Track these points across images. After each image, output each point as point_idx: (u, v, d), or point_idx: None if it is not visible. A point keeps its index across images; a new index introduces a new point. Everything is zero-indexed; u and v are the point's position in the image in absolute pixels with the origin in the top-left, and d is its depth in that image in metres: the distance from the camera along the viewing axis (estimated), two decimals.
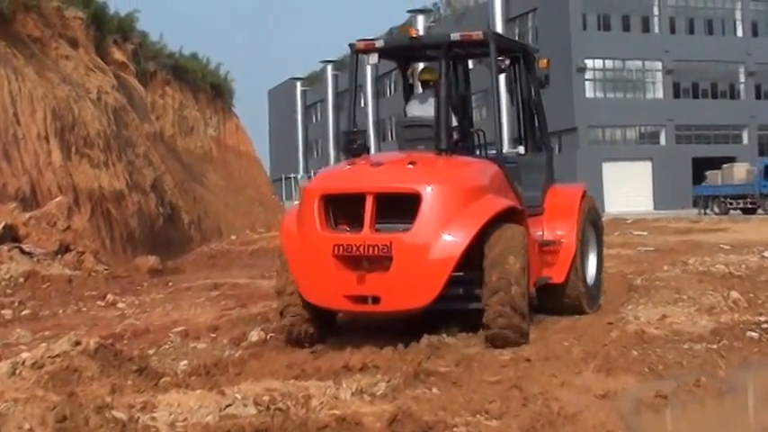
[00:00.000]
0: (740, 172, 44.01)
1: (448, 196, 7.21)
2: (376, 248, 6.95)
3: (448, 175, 7.50)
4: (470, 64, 9.44)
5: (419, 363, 6.34)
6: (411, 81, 9.19)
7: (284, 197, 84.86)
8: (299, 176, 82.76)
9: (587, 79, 57.35)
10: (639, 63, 59.91)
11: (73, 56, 22.04)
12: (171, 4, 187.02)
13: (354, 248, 7.00)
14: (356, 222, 7.13)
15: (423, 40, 8.67)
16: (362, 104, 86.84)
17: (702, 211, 43.21)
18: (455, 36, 8.13)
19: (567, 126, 52.44)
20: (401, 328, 7.58)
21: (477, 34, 8.12)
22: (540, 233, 8.35)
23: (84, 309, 11.09)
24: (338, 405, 5.27)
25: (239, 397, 5.20)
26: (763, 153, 58.70)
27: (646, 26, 61.12)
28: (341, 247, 7.04)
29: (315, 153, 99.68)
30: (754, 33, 63.30)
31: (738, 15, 63.27)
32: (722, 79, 62.70)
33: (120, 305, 11.26)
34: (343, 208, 7.32)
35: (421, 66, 9.48)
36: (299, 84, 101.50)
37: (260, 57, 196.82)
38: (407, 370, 6.10)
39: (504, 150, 8.54)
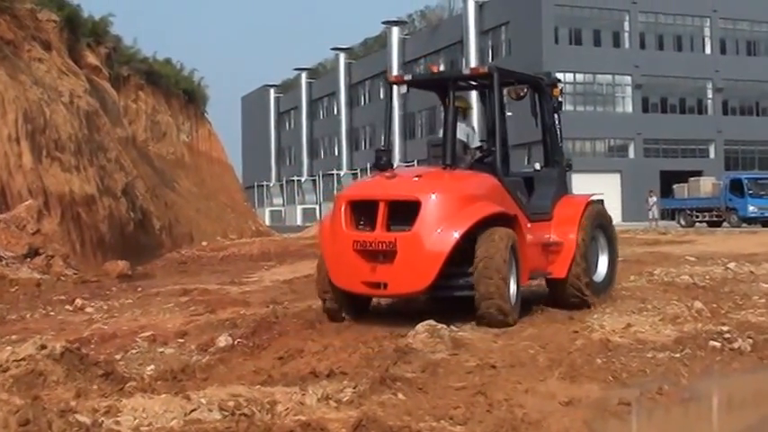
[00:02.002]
0: (706, 186, 44.43)
1: (442, 203, 8.62)
2: (384, 244, 8.45)
3: (444, 186, 8.83)
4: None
5: (386, 368, 6.38)
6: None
7: (256, 204, 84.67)
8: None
9: None
10: (609, 77, 60.52)
11: (46, 59, 21.90)
12: (146, 8, 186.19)
13: (368, 244, 8.53)
14: (373, 223, 8.58)
15: (441, 74, 10.41)
16: (336, 112, 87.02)
17: (654, 222, 43.50)
18: (465, 70, 10.26)
19: (537, 138, 52.67)
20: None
21: (483, 68, 9.84)
22: (548, 236, 9.64)
23: (53, 313, 11.00)
24: (303, 411, 5.26)
25: (204, 402, 5.19)
26: (729, 167, 59.44)
27: (616, 41, 61.78)
28: (358, 243, 8.58)
29: (287, 160, 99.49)
30: (722, 51, 64.19)
31: (707, 32, 64.11)
32: (690, 94, 63.51)
33: (89, 310, 11.18)
34: (364, 211, 8.77)
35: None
36: (272, 91, 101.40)
37: (234, 63, 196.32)
38: (374, 376, 6.11)
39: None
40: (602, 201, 10.42)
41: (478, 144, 9.95)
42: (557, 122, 10.39)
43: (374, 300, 9.89)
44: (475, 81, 10.20)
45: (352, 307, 9.15)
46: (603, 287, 10.07)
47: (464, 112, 10.14)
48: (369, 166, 76.56)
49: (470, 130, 10.06)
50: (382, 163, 9.55)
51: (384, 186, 8.92)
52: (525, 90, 10.10)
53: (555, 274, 9.59)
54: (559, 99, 10.44)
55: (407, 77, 10.40)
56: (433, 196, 8.60)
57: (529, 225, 9.33)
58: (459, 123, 9.80)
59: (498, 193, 9.07)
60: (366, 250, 8.55)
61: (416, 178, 9.09)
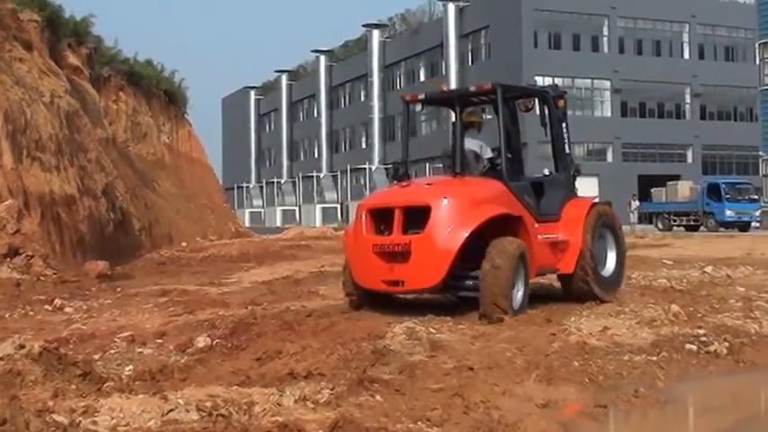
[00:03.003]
0: (684, 190, 44.72)
1: (450, 206, 9.40)
2: (400, 246, 9.30)
3: (453, 192, 9.65)
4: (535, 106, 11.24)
5: (363, 370, 6.41)
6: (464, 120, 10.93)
7: (236, 205, 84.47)
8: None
9: None
10: (588, 81, 60.90)
11: (27, 59, 21.77)
12: (127, 9, 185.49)
13: (386, 246, 9.42)
14: (391, 228, 9.44)
15: (450, 93, 11.49)
16: (316, 114, 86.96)
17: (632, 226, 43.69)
18: (472, 88, 10.82)
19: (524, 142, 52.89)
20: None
21: (488, 85, 10.37)
22: (555, 235, 10.31)
23: (32, 313, 10.96)
24: (281, 412, 5.27)
25: (182, 402, 5.19)
26: (706, 172, 59.99)
27: (595, 46, 62.18)
28: (378, 246, 9.49)
29: (267, 162, 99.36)
30: (701, 56, 64.77)
31: (685, 38, 64.68)
32: (668, 99, 64.02)
33: (68, 310, 11.15)
34: (383, 218, 9.62)
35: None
36: (252, 92, 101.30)
37: (215, 65, 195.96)
38: (351, 377, 6.14)
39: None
40: (609, 202, 11.37)
41: (490, 155, 10.58)
42: (564, 131, 11.05)
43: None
44: (481, 97, 10.83)
45: (376, 303, 9.93)
46: (612, 282, 10.75)
47: (478, 126, 10.86)
48: (349, 168, 76.87)
49: (483, 142, 10.69)
50: (400, 174, 10.58)
51: (399, 195, 9.90)
52: (533, 102, 10.96)
53: (563, 270, 10.34)
54: (564, 111, 11.09)
55: (421, 96, 11.23)
56: (442, 201, 9.41)
57: (536, 225, 10.08)
58: (472, 136, 10.61)
59: (505, 197, 9.80)
60: (384, 252, 9.44)
61: (428, 186, 10.15)
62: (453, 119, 10.75)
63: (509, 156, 10.30)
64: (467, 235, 9.18)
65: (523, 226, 9.80)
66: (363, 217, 9.74)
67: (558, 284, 11.37)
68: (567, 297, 10.36)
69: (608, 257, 10.86)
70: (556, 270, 10.43)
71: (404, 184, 10.20)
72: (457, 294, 9.88)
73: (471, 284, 9.32)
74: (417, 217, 9.29)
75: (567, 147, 11.13)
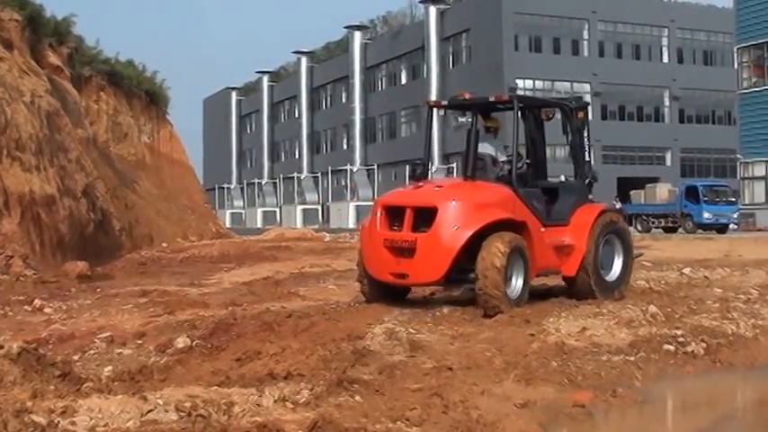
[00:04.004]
0: (662, 192, 44.93)
1: (455, 209, 10.01)
2: (407, 242, 9.97)
3: (459, 195, 10.28)
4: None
5: (343, 370, 6.43)
6: (483, 125, 11.53)
7: (217, 206, 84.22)
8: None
9: None
10: (568, 84, 61.12)
11: (7, 58, 21.60)
12: (108, 9, 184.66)
13: (395, 242, 10.10)
14: (402, 225, 10.11)
15: (472, 101, 11.67)
16: (297, 116, 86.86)
17: None
18: (491, 98, 11.30)
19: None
20: None
21: (505, 96, 11.17)
22: (563, 239, 10.77)
23: (11, 313, 10.89)
24: (260, 412, 5.27)
25: (161, 403, 5.18)
26: (685, 175, 60.42)
27: (575, 49, 62.51)
28: (388, 240, 10.16)
29: (248, 163, 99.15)
30: (680, 60, 65.25)
31: (665, 42, 65.12)
32: (648, 103, 64.44)
33: (48, 310, 11.08)
34: (396, 215, 10.29)
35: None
36: (234, 93, 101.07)
37: (196, 65, 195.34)
38: (331, 377, 6.15)
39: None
40: (620, 209, 11.60)
41: (504, 159, 11.09)
42: (585, 141, 11.57)
43: (348, 300, 11.05)
44: (505, 104, 11.36)
45: (386, 294, 10.61)
46: (614, 286, 11.09)
47: (494, 131, 11.41)
48: (330, 169, 76.79)
49: (500, 147, 11.25)
50: (417, 174, 11.18)
51: (411, 195, 10.52)
52: (554, 112, 11.58)
53: (566, 273, 10.84)
54: (583, 121, 11.57)
55: (444, 103, 12.38)
56: (448, 203, 10.02)
57: (543, 230, 10.56)
58: (490, 141, 11.20)
59: (510, 202, 10.31)
60: (393, 247, 10.11)
61: (438, 188, 10.75)
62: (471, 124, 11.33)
63: (528, 162, 10.97)
64: (468, 236, 9.74)
65: (527, 230, 10.27)
66: (378, 213, 10.43)
67: (537, 285, 11.48)
68: (570, 296, 10.70)
69: (614, 263, 11.28)
70: (559, 272, 10.92)
71: (419, 184, 10.73)
72: (461, 289, 10.48)
73: (473, 278, 9.72)
74: (426, 217, 9.92)
75: (586, 155, 11.61)
